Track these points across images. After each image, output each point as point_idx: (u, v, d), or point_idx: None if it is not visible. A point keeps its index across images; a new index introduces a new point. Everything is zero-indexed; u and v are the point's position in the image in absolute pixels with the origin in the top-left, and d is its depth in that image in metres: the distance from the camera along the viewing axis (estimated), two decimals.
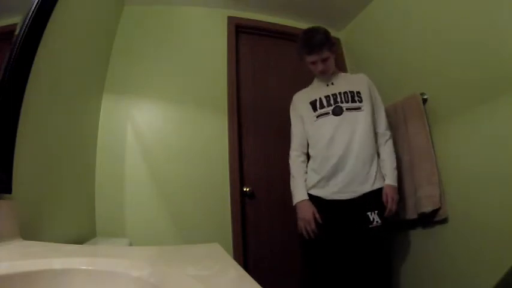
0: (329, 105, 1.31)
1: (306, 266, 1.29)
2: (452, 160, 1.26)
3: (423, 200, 1.27)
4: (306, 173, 1.34)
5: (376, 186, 1.22)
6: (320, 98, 1.34)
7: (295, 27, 2.00)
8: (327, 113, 1.30)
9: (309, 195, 1.29)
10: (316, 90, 1.40)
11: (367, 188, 1.21)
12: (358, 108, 1.29)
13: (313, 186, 1.29)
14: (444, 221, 1.26)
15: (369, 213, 1.18)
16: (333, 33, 2.09)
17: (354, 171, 1.22)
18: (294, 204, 1.30)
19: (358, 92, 1.31)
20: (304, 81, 1.89)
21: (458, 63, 1.25)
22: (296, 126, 1.42)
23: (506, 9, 1.06)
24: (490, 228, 1.08)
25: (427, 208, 1.25)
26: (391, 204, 1.20)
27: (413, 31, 1.49)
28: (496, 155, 1.08)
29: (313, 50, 1.28)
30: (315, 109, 1.34)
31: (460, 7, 1.24)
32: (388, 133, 1.32)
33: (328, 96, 1.33)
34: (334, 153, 1.25)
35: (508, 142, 1.05)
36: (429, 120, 1.36)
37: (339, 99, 1.31)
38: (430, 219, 1.29)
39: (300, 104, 1.43)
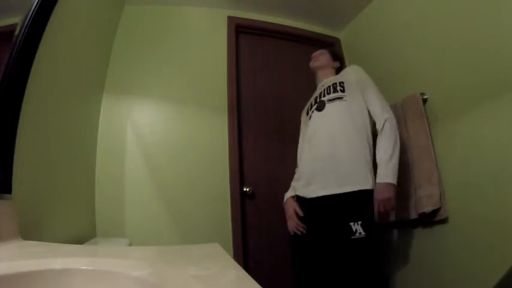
0: (316, 103, 1.35)
1: (293, 266, 1.31)
2: (452, 160, 1.26)
3: (423, 200, 1.27)
4: None
5: (361, 187, 1.12)
6: (311, 102, 1.40)
7: (295, 27, 2.00)
8: (313, 111, 1.34)
9: (297, 197, 1.31)
10: (313, 96, 1.45)
11: (347, 188, 1.12)
12: (340, 98, 1.26)
13: (299, 187, 1.30)
14: (444, 220, 1.26)
15: (351, 224, 1.08)
16: (333, 33, 2.10)
17: (333, 168, 1.17)
18: None
19: (341, 82, 1.30)
20: (304, 81, 1.89)
21: (458, 63, 1.25)
22: (299, 142, 1.47)
23: (507, 9, 1.06)
24: (490, 228, 1.08)
25: (427, 208, 1.25)
26: (377, 207, 1.10)
27: (413, 31, 1.49)
28: (496, 155, 1.08)
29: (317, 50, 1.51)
30: (307, 113, 1.41)
31: (460, 7, 1.24)
32: (385, 115, 1.19)
33: (317, 96, 1.37)
34: (316, 149, 1.25)
35: (508, 142, 1.05)
36: (429, 120, 1.36)
37: (322, 95, 1.33)
38: (430, 219, 1.29)
39: (302, 116, 1.51)
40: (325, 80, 1.43)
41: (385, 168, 1.11)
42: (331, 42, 2.06)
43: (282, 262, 1.59)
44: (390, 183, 1.11)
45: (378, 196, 1.11)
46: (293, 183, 1.37)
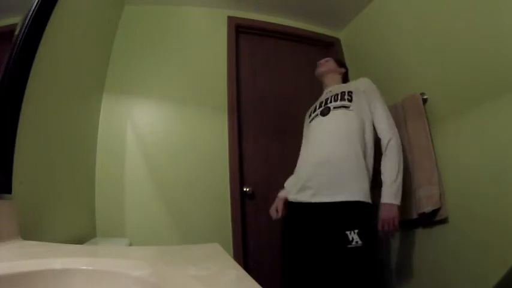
0: (320, 107, 1.34)
1: (284, 275, 1.30)
2: (452, 160, 1.26)
3: (423, 200, 1.27)
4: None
5: (357, 198, 1.10)
6: (315, 105, 1.39)
7: (295, 27, 2.00)
8: (317, 115, 1.33)
9: (290, 203, 1.29)
10: (318, 100, 1.43)
11: (344, 196, 1.11)
12: (346, 107, 1.25)
13: (293, 191, 1.27)
14: (444, 220, 1.26)
15: (347, 232, 1.06)
16: (333, 33, 2.10)
17: (331, 174, 1.14)
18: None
19: (350, 92, 1.29)
20: (304, 81, 1.89)
21: (458, 63, 1.25)
22: (302, 146, 1.46)
23: (507, 9, 1.06)
24: (490, 228, 1.08)
25: (427, 208, 1.25)
26: (381, 226, 1.12)
27: (413, 31, 1.49)
28: (496, 155, 1.08)
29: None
30: (309, 116, 1.40)
31: (460, 7, 1.24)
32: (390, 134, 1.20)
33: (322, 101, 1.36)
34: (315, 153, 1.23)
35: (508, 142, 1.05)
36: (429, 120, 1.36)
37: (329, 101, 1.32)
38: (430, 219, 1.29)
39: (305, 119, 1.49)
40: (333, 86, 1.42)
41: (390, 188, 1.13)
42: (331, 42, 2.06)
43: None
44: (394, 204, 1.12)
45: (383, 216, 1.12)
46: (287, 185, 1.36)
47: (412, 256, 1.42)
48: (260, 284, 0.35)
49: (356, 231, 1.06)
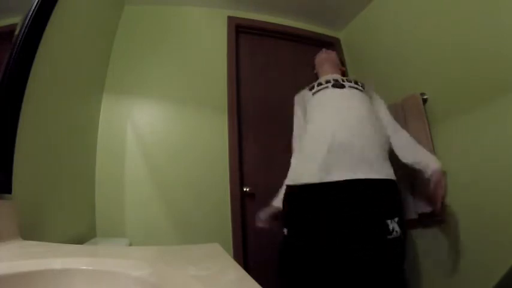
0: (328, 82, 1.24)
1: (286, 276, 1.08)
2: (453, 160, 1.26)
3: (423, 200, 1.27)
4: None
5: (393, 177, 1.02)
6: (319, 82, 1.29)
7: (295, 27, 2.01)
8: (325, 87, 1.20)
9: (301, 187, 1.08)
10: (318, 80, 1.35)
11: (382, 174, 0.99)
12: (360, 90, 1.22)
13: (311, 171, 1.05)
14: (444, 220, 1.26)
15: (388, 221, 0.92)
16: (333, 33, 2.10)
17: (364, 148, 1.01)
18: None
19: (362, 83, 1.29)
20: (304, 82, 1.89)
21: (458, 63, 1.25)
22: (295, 127, 1.36)
23: (507, 9, 1.06)
24: (491, 228, 1.08)
25: (427, 208, 1.25)
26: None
27: (413, 31, 1.49)
28: (497, 155, 1.08)
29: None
30: (312, 89, 1.28)
31: (460, 7, 1.24)
32: (397, 125, 1.22)
33: (329, 79, 1.27)
34: (336, 128, 1.06)
35: (508, 142, 1.05)
36: (429, 120, 1.36)
37: (341, 80, 1.25)
38: (430, 219, 1.29)
39: (300, 96, 1.39)
40: (336, 75, 1.35)
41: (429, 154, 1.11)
42: (331, 42, 2.06)
43: None
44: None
45: (442, 183, 1.05)
46: (295, 170, 1.18)
47: (412, 256, 1.41)
48: (260, 284, 0.35)
49: (396, 219, 0.94)
